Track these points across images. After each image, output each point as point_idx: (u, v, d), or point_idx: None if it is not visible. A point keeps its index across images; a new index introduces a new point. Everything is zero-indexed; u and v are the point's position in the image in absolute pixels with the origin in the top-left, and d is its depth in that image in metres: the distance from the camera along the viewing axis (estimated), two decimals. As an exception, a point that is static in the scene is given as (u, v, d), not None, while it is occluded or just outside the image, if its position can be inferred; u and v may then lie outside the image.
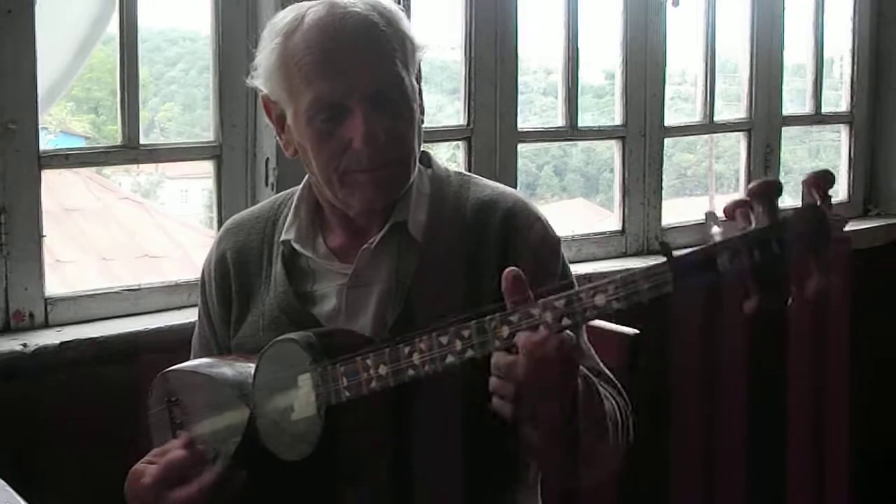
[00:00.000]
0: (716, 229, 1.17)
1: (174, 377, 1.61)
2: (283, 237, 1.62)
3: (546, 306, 1.25)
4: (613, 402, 1.51)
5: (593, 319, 1.25)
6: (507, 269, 1.28)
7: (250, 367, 1.50)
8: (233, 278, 1.65)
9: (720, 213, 1.18)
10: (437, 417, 1.46)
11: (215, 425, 1.53)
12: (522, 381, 1.25)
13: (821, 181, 1.15)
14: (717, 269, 1.15)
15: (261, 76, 1.56)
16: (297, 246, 1.60)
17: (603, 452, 1.46)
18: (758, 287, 1.15)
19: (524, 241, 1.56)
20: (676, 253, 1.17)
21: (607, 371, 1.58)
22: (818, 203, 1.14)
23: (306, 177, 1.64)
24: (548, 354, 1.24)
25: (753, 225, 1.14)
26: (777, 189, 1.15)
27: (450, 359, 1.30)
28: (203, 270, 1.72)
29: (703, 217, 1.19)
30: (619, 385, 1.58)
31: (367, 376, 1.37)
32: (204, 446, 1.50)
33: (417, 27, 1.58)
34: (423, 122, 1.58)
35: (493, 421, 1.45)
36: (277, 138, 1.61)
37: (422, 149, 1.60)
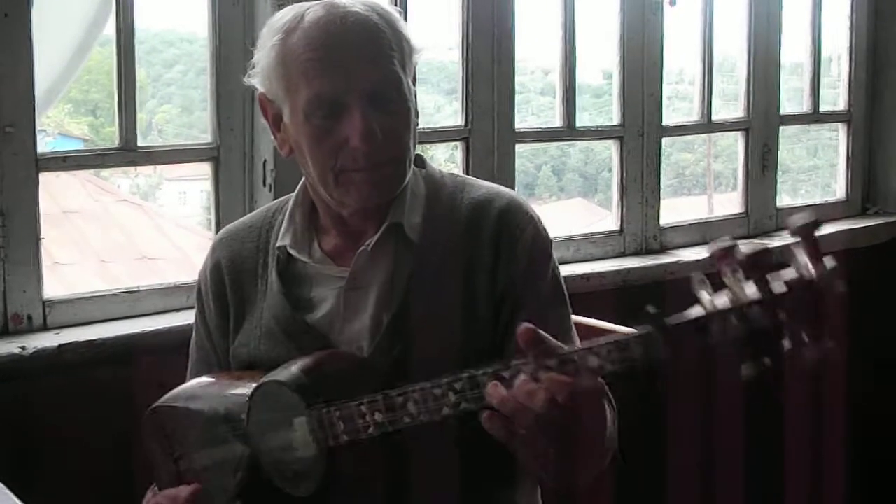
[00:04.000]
0: (706, 296, 1.17)
1: (164, 412, 1.61)
2: (279, 243, 1.61)
3: (539, 365, 1.24)
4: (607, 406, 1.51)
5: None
6: (521, 328, 1.26)
7: (240, 395, 1.50)
8: (228, 287, 1.65)
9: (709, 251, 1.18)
10: (435, 426, 1.46)
11: (213, 460, 1.53)
12: (539, 419, 1.23)
13: (808, 230, 1.14)
14: (709, 337, 1.16)
15: (259, 74, 1.57)
16: (292, 251, 1.60)
17: (593, 461, 1.46)
18: (751, 354, 1.15)
19: (516, 241, 1.56)
20: (669, 318, 1.18)
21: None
22: (812, 277, 1.13)
23: (301, 182, 1.64)
24: (573, 399, 1.23)
25: (742, 287, 1.14)
26: (768, 257, 1.15)
27: (445, 411, 1.30)
28: (199, 280, 1.72)
29: (693, 281, 1.19)
30: (607, 390, 1.58)
31: (363, 423, 1.37)
32: (205, 481, 1.52)
33: (414, 29, 1.58)
34: (417, 124, 1.58)
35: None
36: (273, 138, 1.61)
37: (416, 151, 1.60)
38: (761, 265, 1.14)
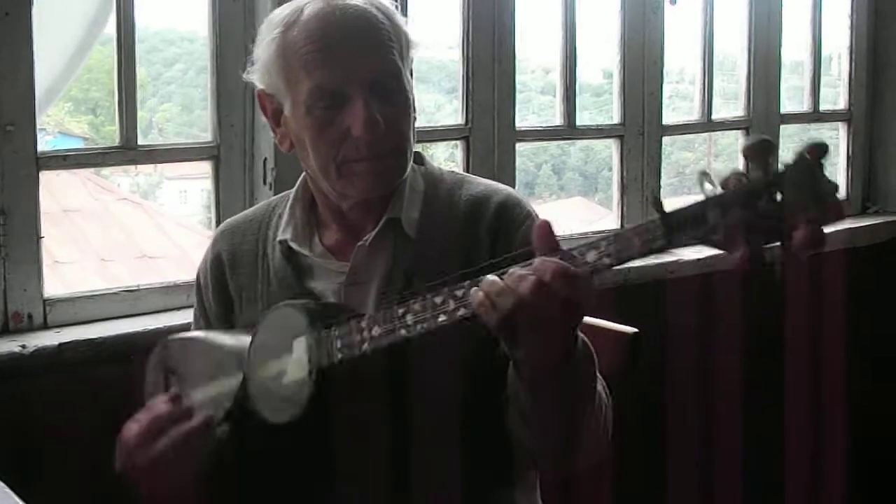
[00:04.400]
0: (709, 187, 1.17)
1: (174, 345, 1.63)
2: (279, 237, 1.62)
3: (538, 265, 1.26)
4: (601, 385, 1.50)
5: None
6: (539, 222, 1.29)
7: (249, 338, 1.52)
8: (229, 279, 1.66)
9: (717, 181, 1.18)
10: (433, 403, 1.46)
11: (210, 392, 1.54)
12: (526, 303, 1.24)
13: (815, 151, 1.15)
14: (707, 223, 1.15)
15: (258, 70, 1.57)
16: (293, 245, 1.61)
17: (586, 423, 1.45)
18: (748, 242, 1.15)
19: (515, 235, 1.56)
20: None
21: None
22: (810, 160, 1.13)
23: (301, 177, 1.64)
24: (561, 281, 1.24)
25: (744, 180, 1.15)
26: (771, 148, 1.16)
27: (442, 318, 1.31)
28: (198, 274, 1.72)
29: (697, 177, 1.20)
30: (602, 380, 1.57)
31: (359, 338, 1.39)
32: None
33: (415, 27, 1.59)
34: (416, 119, 1.58)
35: (490, 412, 1.45)
36: (273, 134, 1.62)
37: (416, 149, 1.61)
38: (764, 152, 1.15)
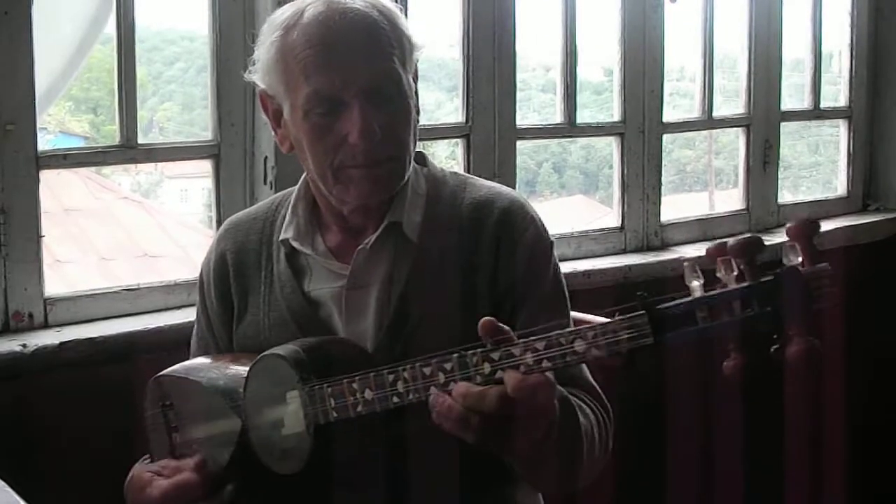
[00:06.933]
0: (695, 283, 1.15)
1: (167, 382, 1.61)
2: (282, 236, 1.62)
3: (527, 347, 1.24)
4: (592, 416, 1.50)
5: (572, 364, 1.24)
6: (482, 321, 1.27)
7: (241, 373, 1.50)
8: (232, 278, 1.66)
9: (703, 254, 1.16)
10: (430, 426, 1.45)
11: (208, 432, 1.54)
12: (498, 416, 1.24)
13: (805, 230, 1.12)
14: (696, 324, 1.14)
15: (259, 70, 1.57)
16: (295, 244, 1.60)
17: (579, 467, 1.46)
18: (737, 345, 1.13)
19: (517, 242, 1.56)
20: (658, 305, 1.16)
21: (591, 379, 1.58)
22: (800, 264, 1.11)
23: (303, 176, 1.64)
24: (535, 400, 1.24)
25: (734, 279, 1.12)
26: (758, 247, 1.12)
27: (433, 391, 1.30)
28: (202, 271, 1.72)
29: (684, 267, 1.16)
30: (600, 392, 1.57)
31: (353, 400, 1.37)
32: (198, 451, 1.52)
33: (415, 26, 1.58)
34: (418, 121, 1.58)
35: None
36: (273, 134, 1.62)
37: (417, 148, 1.60)
38: (751, 251, 1.12)
